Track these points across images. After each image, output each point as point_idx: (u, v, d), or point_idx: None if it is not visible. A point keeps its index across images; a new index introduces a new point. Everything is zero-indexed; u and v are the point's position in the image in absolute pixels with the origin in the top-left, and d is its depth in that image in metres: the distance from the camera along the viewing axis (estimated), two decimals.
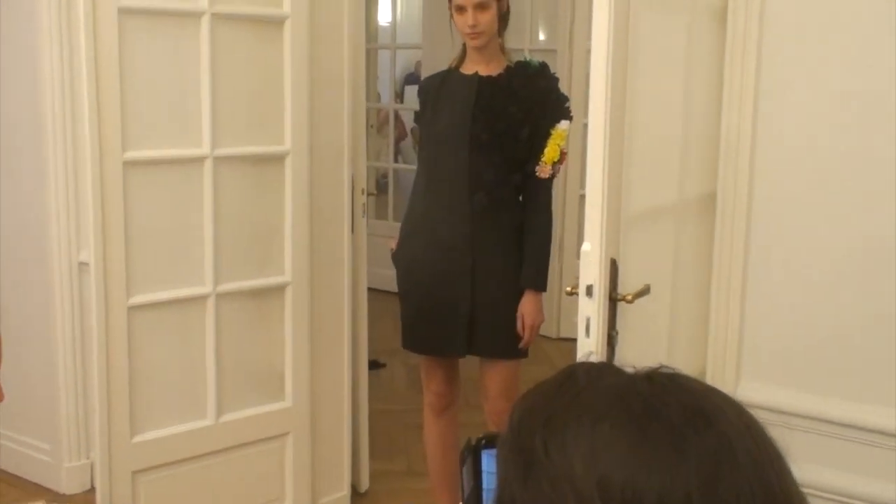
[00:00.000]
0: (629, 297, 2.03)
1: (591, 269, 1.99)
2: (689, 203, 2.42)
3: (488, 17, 2.95)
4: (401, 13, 7.66)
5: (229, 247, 3.09)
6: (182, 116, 2.97)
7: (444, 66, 3.23)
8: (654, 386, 0.83)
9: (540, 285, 3.05)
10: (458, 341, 3.06)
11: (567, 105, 3.04)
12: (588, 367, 0.88)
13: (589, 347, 2.01)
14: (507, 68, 3.06)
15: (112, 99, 2.79)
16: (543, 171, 2.96)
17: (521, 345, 3.03)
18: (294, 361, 3.26)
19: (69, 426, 3.61)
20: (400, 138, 8.29)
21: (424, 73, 6.56)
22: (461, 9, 2.95)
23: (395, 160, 7.74)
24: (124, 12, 2.77)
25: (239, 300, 3.14)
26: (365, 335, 3.67)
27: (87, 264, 2.97)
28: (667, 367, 0.86)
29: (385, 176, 7.34)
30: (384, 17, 7.56)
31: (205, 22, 2.93)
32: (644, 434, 0.78)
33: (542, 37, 5.68)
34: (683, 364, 2.45)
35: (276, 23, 3.10)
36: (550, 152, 2.94)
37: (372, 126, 7.08)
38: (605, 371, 0.87)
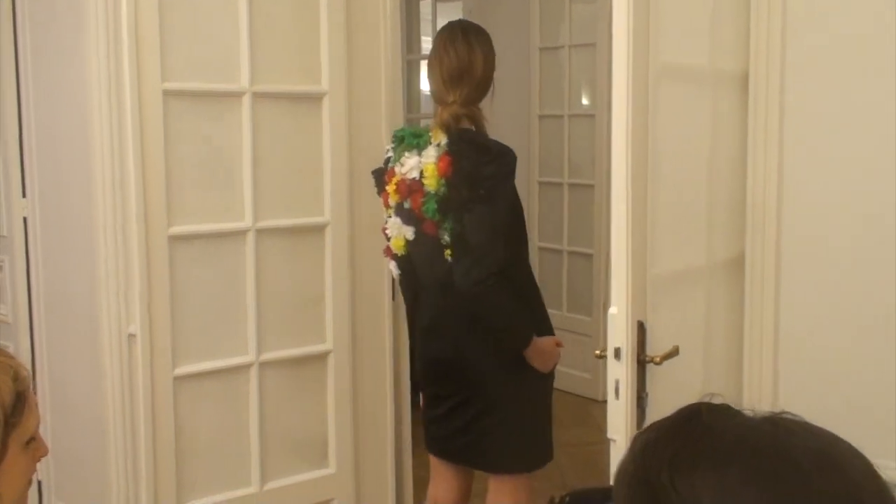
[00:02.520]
0: (657, 359, 2.05)
1: (618, 332, 2.02)
2: (718, 265, 2.44)
3: None
4: None
5: (272, 317, 3.17)
6: (225, 190, 3.07)
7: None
8: (779, 429, 0.84)
9: None
10: None
11: None
12: (711, 407, 0.90)
13: (619, 409, 2.03)
14: None
15: (157, 175, 2.91)
16: None
17: None
18: (337, 428, 3.30)
19: (119, 496, 3.66)
20: None
21: None
22: None
23: None
24: (169, 94, 2.91)
25: (282, 369, 3.21)
26: (408, 397, 3.69)
27: (135, 336, 3.06)
28: (789, 412, 0.87)
29: None
30: (426, 86, 7.71)
31: (245, 100, 3.05)
32: (772, 478, 0.79)
33: (584, 101, 5.75)
34: None
35: (316, 98, 3.21)
36: None
37: None
38: (729, 412, 0.89)
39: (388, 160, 2.87)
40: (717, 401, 0.91)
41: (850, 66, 2.34)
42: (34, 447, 1.60)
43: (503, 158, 2.66)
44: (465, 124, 2.73)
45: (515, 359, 2.72)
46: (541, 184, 5.76)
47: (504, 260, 2.61)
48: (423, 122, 7.52)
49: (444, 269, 2.66)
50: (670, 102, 2.15)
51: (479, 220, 2.59)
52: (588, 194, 5.52)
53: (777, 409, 0.87)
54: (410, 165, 2.71)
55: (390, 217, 2.83)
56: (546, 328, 2.82)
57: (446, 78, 2.74)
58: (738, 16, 2.46)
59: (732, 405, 0.89)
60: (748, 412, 0.87)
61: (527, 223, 2.90)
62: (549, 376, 2.85)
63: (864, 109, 2.31)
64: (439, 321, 2.81)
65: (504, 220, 2.66)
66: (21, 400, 1.55)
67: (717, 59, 2.39)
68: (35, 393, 3.70)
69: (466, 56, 2.73)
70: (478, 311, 2.66)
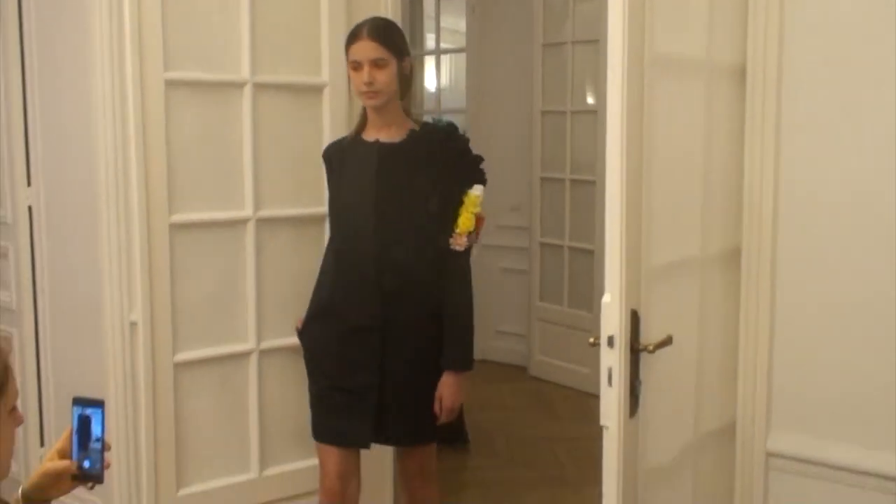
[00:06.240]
0: (651, 348, 2.07)
1: (611, 320, 2.03)
2: (714, 257, 2.46)
3: (386, 76, 2.72)
4: (447, 79, 7.83)
5: (272, 305, 3.21)
6: (226, 180, 3.11)
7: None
8: None
9: (464, 366, 2.81)
10: (362, 432, 2.81)
11: (481, 167, 2.81)
12: None
13: (612, 397, 2.05)
14: (412, 133, 2.81)
15: (159, 165, 2.96)
16: (458, 242, 2.75)
17: (439, 422, 2.81)
18: None
19: (120, 479, 3.68)
20: None
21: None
22: (357, 65, 2.73)
23: None
24: (171, 83, 2.95)
25: (281, 357, 3.24)
26: None
27: (137, 324, 3.10)
28: None
29: None
30: (431, 83, 7.74)
31: (246, 91, 3.08)
32: None
33: (588, 97, 5.77)
34: (713, 415, 2.48)
35: (317, 89, 3.24)
36: (464, 221, 2.74)
37: None
38: None
39: None
40: None
41: (849, 58, 2.35)
42: (15, 416, 1.66)
43: None
44: None
45: None
46: (543, 179, 5.78)
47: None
48: (424, 117, 7.57)
49: None
50: (665, 94, 2.17)
51: None
52: (589, 190, 5.54)
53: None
54: None
55: None
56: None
57: None
58: (735, 8, 2.48)
59: None
60: None
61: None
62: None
63: (864, 102, 2.32)
64: None
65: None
66: (6, 370, 1.61)
67: (713, 52, 2.41)
68: (39, 379, 3.74)
69: None
70: None
